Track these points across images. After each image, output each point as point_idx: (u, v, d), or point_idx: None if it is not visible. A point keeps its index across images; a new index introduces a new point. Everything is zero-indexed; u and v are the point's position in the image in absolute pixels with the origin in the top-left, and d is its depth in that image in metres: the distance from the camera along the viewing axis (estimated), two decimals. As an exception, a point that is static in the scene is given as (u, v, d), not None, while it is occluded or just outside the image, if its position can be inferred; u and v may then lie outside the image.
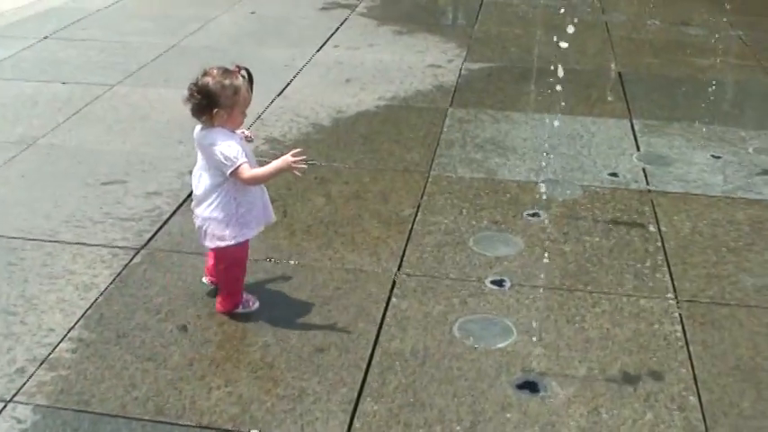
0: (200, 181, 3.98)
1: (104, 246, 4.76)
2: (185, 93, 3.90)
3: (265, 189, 4.14)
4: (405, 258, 4.69)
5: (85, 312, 4.16)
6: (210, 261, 4.30)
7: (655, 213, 5.26)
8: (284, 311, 4.19)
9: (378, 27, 9.39)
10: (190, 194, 5.26)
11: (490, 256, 4.72)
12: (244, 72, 3.90)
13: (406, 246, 4.81)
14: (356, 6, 10.29)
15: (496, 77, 7.78)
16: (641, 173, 5.82)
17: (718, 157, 6.10)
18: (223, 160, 3.82)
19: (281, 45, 8.62)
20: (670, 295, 4.41)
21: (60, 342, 3.94)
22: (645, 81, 7.81)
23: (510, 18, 9.90)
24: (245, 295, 4.22)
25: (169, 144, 6.10)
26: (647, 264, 4.70)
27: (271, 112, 6.76)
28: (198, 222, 4.03)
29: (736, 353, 3.98)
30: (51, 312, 4.15)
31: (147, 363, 3.80)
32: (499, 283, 4.47)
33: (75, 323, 4.08)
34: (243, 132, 4.14)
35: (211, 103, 3.81)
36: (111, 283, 4.41)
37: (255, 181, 3.92)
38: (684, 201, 5.45)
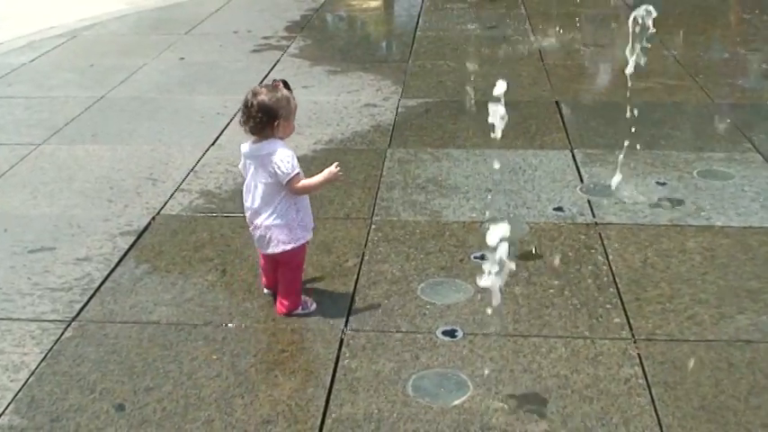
0: (256, 192, 4.26)
1: (33, 320, 4.50)
2: (240, 116, 4.22)
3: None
4: (352, 313, 4.50)
5: (16, 395, 3.90)
6: (268, 273, 4.56)
7: (604, 247, 5.14)
8: (227, 380, 3.96)
9: (311, 67, 9.24)
10: (121, 260, 5.07)
11: (440, 305, 4.55)
12: (284, 83, 4.22)
13: (352, 299, 4.62)
14: (288, 47, 10.13)
15: (434, 113, 7.65)
16: (587, 205, 5.71)
17: (664, 184, 6.02)
18: (282, 169, 4.13)
19: (212, 91, 8.41)
20: (626, 335, 4.27)
21: (-11, 431, 3.69)
22: (583, 109, 7.74)
23: (444, 51, 9.81)
24: (305, 298, 4.51)
25: (98, 204, 5.85)
26: (601, 302, 4.56)
27: (204, 163, 6.55)
28: (259, 232, 4.31)
29: (699, 392, 3.85)
30: (-22, 399, 3.89)
31: (82, 448, 3.56)
32: (451, 333, 4.30)
33: (5, 408, 3.82)
34: None
35: (272, 117, 4.13)
36: (42, 360, 4.15)
37: (305, 191, 4.27)
38: (633, 232, 5.34)
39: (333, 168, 4.24)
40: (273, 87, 4.18)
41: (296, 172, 4.16)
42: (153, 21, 11.84)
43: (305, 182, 4.22)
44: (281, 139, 4.23)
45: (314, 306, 4.51)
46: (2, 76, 9.00)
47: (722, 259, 5.01)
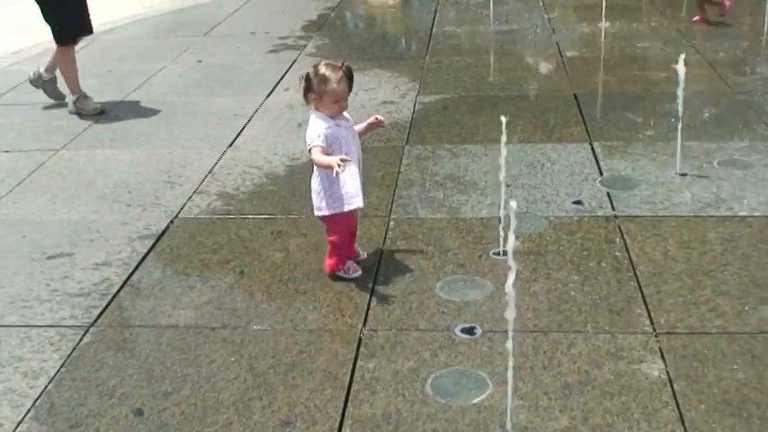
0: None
1: (52, 326, 4.51)
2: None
3: (358, 175, 4.60)
4: (370, 312, 4.48)
5: (35, 402, 3.91)
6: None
7: (624, 240, 5.09)
8: (246, 383, 3.95)
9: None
10: (140, 264, 5.09)
11: (458, 302, 4.52)
12: (345, 68, 4.49)
13: (370, 298, 4.60)
14: (305, 46, 10.13)
15: (452, 109, 7.62)
16: (606, 198, 5.65)
17: (684, 175, 5.95)
18: (306, 139, 4.51)
19: (229, 93, 8.43)
20: (648, 329, 4.23)
21: (9, 438, 3.70)
22: (602, 101, 7.69)
23: (461, 46, 9.78)
24: (349, 263, 4.78)
25: (116, 209, 5.86)
26: (621, 296, 4.52)
27: (222, 165, 6.55)
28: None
29: (721, 386, 3.79)
30: (-2, 405, 3.90)
31: (101, 454, 3.56)
32: (470, 330, 4.27)
33: (25, 415, 3.83)
34: (375, 118, 4.82)
35: (307, 88, 4.51)
36: (62, 366, 4.16)
37: (315, 163, 4.52)
38: (653, 224, 5.28)
39: (338, 159, 4.32)
40: (329, 66, 4.49)
41: (312, 145, 4.45)
42: (171, 24, 11.88)
43: (316, 156, 4.46)
44: (324, 114, 4.51)
45: (356, 274, 4.78)
46: (21, 83, 9.04)
47: (744, 249, 4.94)
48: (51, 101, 8.24)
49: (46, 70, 8.15)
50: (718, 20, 10.06)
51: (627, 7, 11.21)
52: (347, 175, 4.48)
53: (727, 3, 9.95)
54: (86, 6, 7.89)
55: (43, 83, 8.17)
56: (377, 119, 4.81)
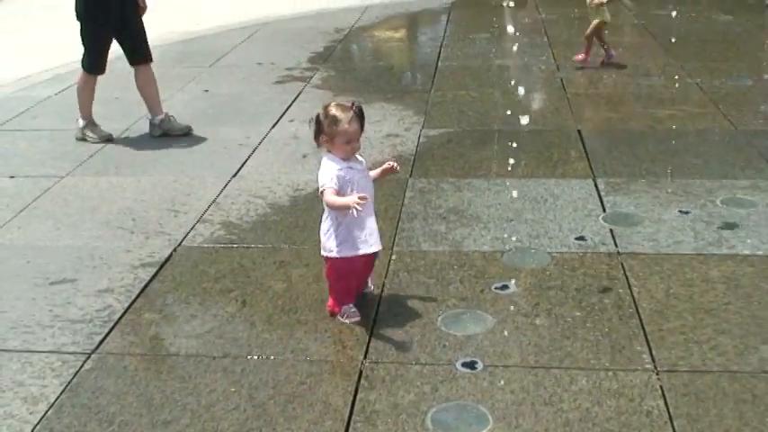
0: None
1: (54, 352, 4.51)
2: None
3: (374, 218, 4.56)
4: (371, 344, 4.47)
5: (34, 428, 3.90)
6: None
7: (626, 277, 5.09)
8: (245, 413, 3.95)
9: (333, 98, 9.24)
10: (142, 291, 5.09)
11: (460, 336, 4.52)
12: (356, 108, 4.41)
13: (371, 330, 4.60)
14: (311, 78, 10.18)
15: (456, 143, 7.65)
16: (609, 235, 5.66)
17: (687, 213, 5.97)
18: (319, 182, 4.44)
19: (235, 123, 8.46)
20: (649, 366, 4.22)
21: (7, 464, 3.69)
22: (605, 137, 7.71)
23: (466, 81, 9.82)
24: (347, 308, 4.68)
25: (120, 236, 5.87)
26: (623, 333, 4.51)
27: (226, 194, 6.57)
28: None
29: (722, 425, 3.78)
30: (-3, 431, 3.89)
31: (100, 482, 3.55)
32: (471, 365, 4.26)
33: (23, 442, 3.83)
34: (390, 164, 4.71)
35: (318, 129, 4.43)
36: (62, 393, 4.15)
37: (328, 205, 4.44)
38: (656, 262, 5.28)
39: (355, 198, 4.27)
40: (339, 107, 4.41)
41: (325, 187, 4.38)
42: (177, 54, 11.93)
43: (329, 198, 4.38)
44: (337, 156, 4.44)
45: (351, 319, 4.66)
46: (28, 109, 9.11)
47: (746, 289, 4.94)
48: (61, 127, 8.29)
49: (154, 115, 8.16)
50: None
51: (630, 45, 11.28)
52: (362, 218, 4.41)
53: (614, 52, 10.15)
54: (134, 36, 8.04)
55: (162, 126, 8.13)
56: (391, 165, 4.70)
